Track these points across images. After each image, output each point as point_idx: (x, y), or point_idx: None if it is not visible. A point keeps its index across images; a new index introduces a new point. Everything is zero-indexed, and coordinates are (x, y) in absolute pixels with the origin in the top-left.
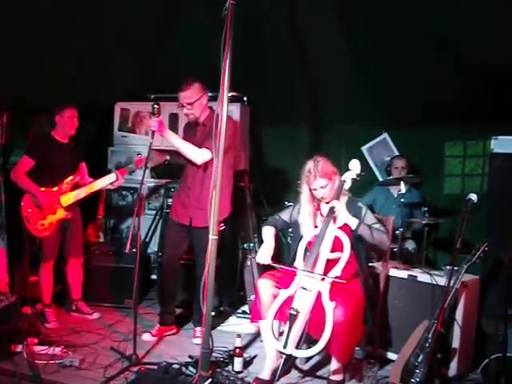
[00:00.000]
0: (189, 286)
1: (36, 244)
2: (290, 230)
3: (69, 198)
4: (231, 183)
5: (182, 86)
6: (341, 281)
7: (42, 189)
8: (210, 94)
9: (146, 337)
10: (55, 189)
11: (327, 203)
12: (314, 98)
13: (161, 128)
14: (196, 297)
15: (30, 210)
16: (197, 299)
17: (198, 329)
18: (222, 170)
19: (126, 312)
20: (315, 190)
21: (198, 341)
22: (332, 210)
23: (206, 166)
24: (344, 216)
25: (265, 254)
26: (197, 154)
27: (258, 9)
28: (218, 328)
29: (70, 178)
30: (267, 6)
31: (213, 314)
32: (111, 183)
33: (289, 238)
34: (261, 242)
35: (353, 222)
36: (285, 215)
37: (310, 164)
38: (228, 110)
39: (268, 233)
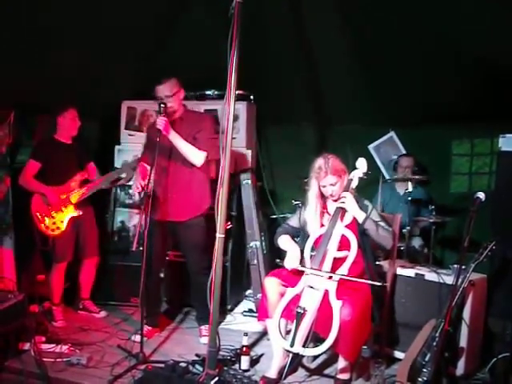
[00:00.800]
0: (178, 283)
1: (49, 244)
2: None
3: (77, 195)
4: (209, 177)
5: (161, 81)
6: (348, 278)
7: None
8: (216, 93)
9: (138, 338)
10: (63, 187)
11: (335, 201)
12: (320, 97)
13: (167, 127)
14: (194, 295)
15: (40, 210)
16: (196, 297)
17: (203, 327)
18: (202, 165)
19: (132, 310)
20: (324, 187)
21: (206, 340)
22: (342, 203)
23: (188, 163)
24: (353, 208)
25: (292, 259)
26: (198, 156)
27: (261, 8)
28: (225, 326)
29: (78, 176)
30: (271, 6)
31: None
32: (124, 178)
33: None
34: (272, 248)
35: (360, 216)
36: (293, 221)
37: (320, 161)
38: (235, 108)
39: (286, 241)
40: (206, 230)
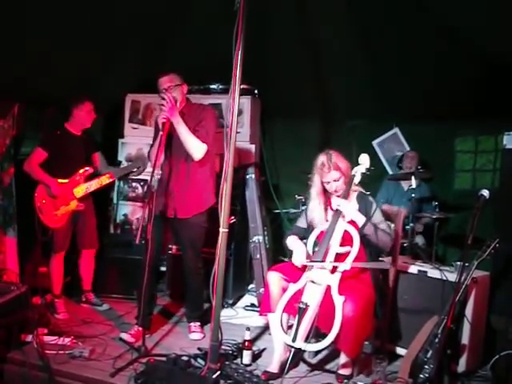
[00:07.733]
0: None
1: (48, 235)
2: None
3: (81, 190)
4: (214, 175)
5: (162, 74)
6: (344, 265)
7: (59, 180)
8: (221, 87)
9: (125, 336)
10: (68, 180)
11: (339, 196)
12: (326, 92)
13: (172, 109)
14: (188, 291)
15: (44, 201)
16: (188, 295)
17: (192, 324)
18: (207, 162)
19: (135, 303)
20: (328, 183)
21: (195, 336)
22: (338, 206)
23: (192, 158)
24: (351, 214)
25: (299, 256)
26: (198, 148)
27: (268, 3)
28: (228, 321)
29: (84, 169)
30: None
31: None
32: (134, 172)
33: None
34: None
35: (360, 221)
36: (301, 222)
37: (323, 157)
38: (239, 102)
39: (293, 240)
40: (205, 229)
